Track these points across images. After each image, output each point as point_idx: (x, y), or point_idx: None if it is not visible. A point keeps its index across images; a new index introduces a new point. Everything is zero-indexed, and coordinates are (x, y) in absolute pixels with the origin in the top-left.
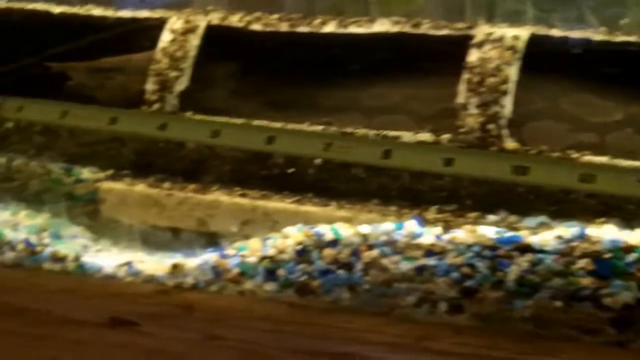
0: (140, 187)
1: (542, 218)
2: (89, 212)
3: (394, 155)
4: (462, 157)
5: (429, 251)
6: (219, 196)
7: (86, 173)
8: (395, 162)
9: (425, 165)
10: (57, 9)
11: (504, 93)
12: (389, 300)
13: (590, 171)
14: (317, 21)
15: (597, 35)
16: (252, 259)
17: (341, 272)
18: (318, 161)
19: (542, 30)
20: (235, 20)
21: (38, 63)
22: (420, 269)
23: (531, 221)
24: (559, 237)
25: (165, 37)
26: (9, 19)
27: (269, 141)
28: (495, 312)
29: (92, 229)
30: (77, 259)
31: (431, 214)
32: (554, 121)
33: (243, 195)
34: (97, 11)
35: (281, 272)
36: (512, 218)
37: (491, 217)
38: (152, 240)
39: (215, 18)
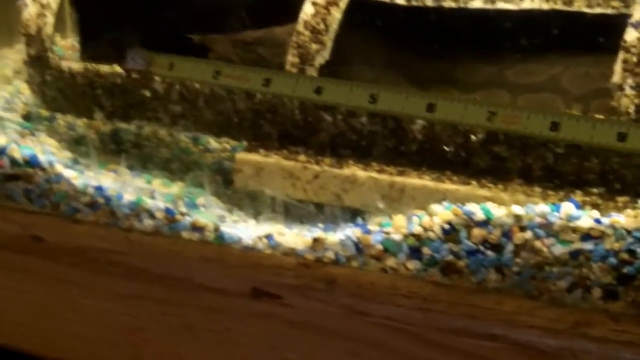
0: (276, 159)
1: None
2: (218, 181)
3: (563, 128)
4: (638, 131)
5: (586, 235)
6: (356, 171)
7: (213, 143)
8: (565, 135)
9: (597, 140)
10: None
11: None
12: (538, 284)
13: None
14: None
15: None
16: (396, 236)
17: (490, 252)
18: (460, 139)
19: None
20: None
21: (180, 32)
22: (575, 253)
23: None
24: None
25: (308, 10)
26: None
27: (429, 109)
28: None
29: (223, 198)
30: (216, 229)
31: (578, 196)
32: None
33: (380, 171)
34: None
35: (426, 250)
36: None
37: None
38: (294, 213)
39: None
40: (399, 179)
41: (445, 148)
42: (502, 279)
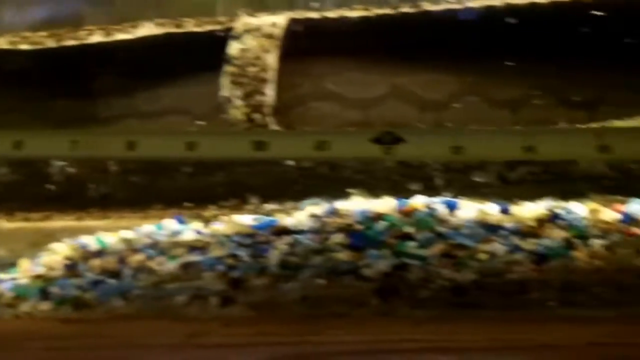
0: None
1: (316, 199)
2: None
3: (140, 146)
4: (206, 139)
5: (192, 247)
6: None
7: None
8: (140, 152)
9: (167, 152)
10: None
11: (265, 81)
12: (162, 302)
13: (326, 138)
14: (84, 32)
15: (354, 12)
16: (24, 280)
17: (111, 280)
18: (97, 175)
19: (299, 15)
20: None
21: None
22: (186, 266)
23: (306, 203)
24: (312, 216)
25: None
26: None
27: (16, 146)
28: (265, 298)
29: None
30: None
31: (211, 211)
32: (320, 102)
33: (26, 220)
34: None
35: (54, 289)
36: (289, 204)
37: (268, 206)
38: None
39: None
40: (43, 225)
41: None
42: (129, 303)
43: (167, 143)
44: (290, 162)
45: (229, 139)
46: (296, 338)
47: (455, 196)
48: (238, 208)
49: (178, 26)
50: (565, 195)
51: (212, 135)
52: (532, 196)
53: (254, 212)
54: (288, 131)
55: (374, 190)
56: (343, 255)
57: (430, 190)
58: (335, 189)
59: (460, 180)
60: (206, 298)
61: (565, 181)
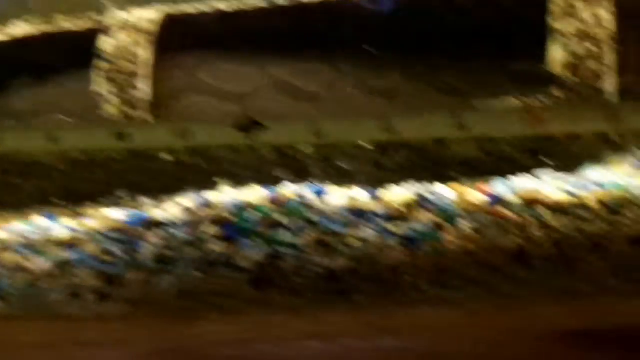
0: None
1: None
2: None
3: (2, 142)
4: (69, 132)
5: (65, 244)
6: None
7: None
8: (3, 148)
9: (30, 145)
10: None
11: (139, 76)
12: (38, 301)
13: (190, 127)
14: None
15: (227, 4)
16: None
17: None
18: None
19: (175, 9)
20: None
21: None
22: (61, 264)
23: (180, 196)
24: (185, 208)
25: None
26: None
27: None
28: (141, 294)
29: None
30: None
31: (88, 208)
32: (196, 96)
33: None
34: None
35: None
36: (164, 198)
37: (143, 201)
38: None
39: None
40: None
41: None
42: (4, 303)
43: (29, 137)
44: (167, 157)
45: (92, 132)
46: (173, 332)
47: (327, 183)
48: (114, 204)
49: (48, 23)
50: (438, 179)
51: (75, 129)
52: (406, 181)
53: (130, 207)
54: (151, 122)
55: (247, 181)
56: (217, 247)
57: (304, 179)
58: (210, 181)
59: (333, 167)
60: (82, 295)
61: (438, 165)
